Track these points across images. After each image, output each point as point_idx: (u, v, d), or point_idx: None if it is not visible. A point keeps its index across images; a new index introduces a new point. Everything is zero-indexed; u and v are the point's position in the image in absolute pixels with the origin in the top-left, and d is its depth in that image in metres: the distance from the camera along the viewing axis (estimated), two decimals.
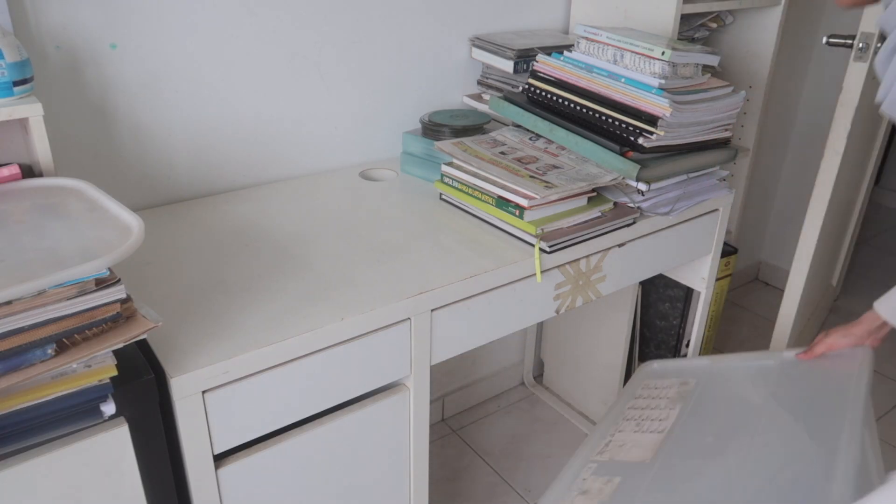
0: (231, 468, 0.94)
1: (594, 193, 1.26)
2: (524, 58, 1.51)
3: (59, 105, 1.15)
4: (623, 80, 1.27)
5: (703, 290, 1.56)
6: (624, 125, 1.25)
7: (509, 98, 1.42)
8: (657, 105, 1.21)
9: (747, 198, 2.42)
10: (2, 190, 0.89)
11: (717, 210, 1.44)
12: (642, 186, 1.25)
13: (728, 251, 2.00)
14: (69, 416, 0.76)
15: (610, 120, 1.27)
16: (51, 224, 0.81)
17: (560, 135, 1.31)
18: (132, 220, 0.80)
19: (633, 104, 1.24)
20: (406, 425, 1.11)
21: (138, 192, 1.28)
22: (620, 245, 1.28)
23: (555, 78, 1.36)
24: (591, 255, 1.23)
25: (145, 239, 0.78)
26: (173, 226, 1.22)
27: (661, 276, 1.89)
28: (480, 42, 1.57)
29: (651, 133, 1.21)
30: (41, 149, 0.91)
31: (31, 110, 0.89)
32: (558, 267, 1.19)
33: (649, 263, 1.37)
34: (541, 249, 1.15)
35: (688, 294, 1.96)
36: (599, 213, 1.24)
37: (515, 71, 1.50)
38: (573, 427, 1.97)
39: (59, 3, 1.09)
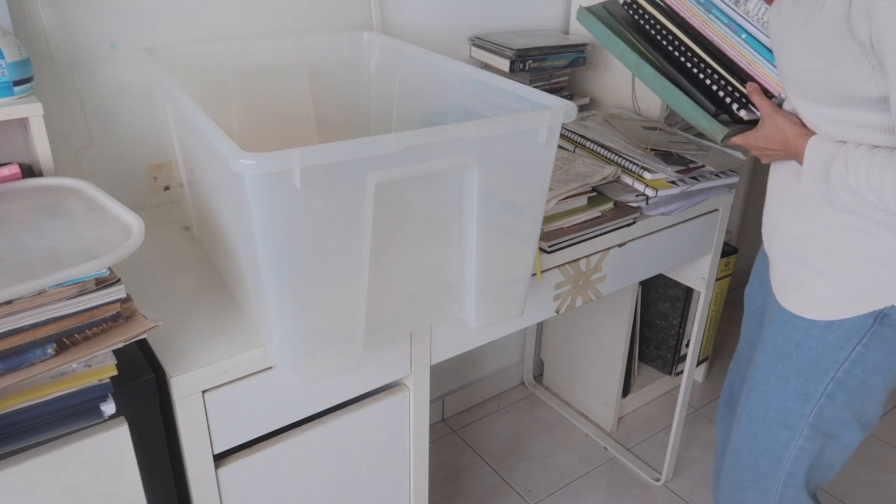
0: (231, 468, 0.94)
1: (594, 193, 1.26)
2: (522, 58, 1.51)
3: (59, 105, 1.14)
4: (744, 35, 1.07)
5: (703, 290, 1.56)
6: (730, 88, 1.08)
7: (607, 8, 1.21)
8: (776, 82, 1.04)
9: (747, 198, 2.42)
10: (2, 190, 0.89)
11: (717, 210, 1.44)
12: (649, 192, 1.24)
13: (728, 251, 2.00)
14: (69, 416, 0.76)
15: (715, 76, 1.09)
16: (51, 224, 0.81)
17: (646, 73, 1.13)
18: (132, 220, 0.80)
19: (749, 69, 1.06)
20: (406, 425, 1.11)
21: (138, 193, 1.28)
22: (620, 245, 1.28)
23: (666, 4, 1.15)
24: (591, 254, 1.23)
25: (145, 239, 0.77)
26: (173, 226, 1.21)
27: (660, 276, 1.89)
28: (480, 41, 1.57)
29: (757, 108, 1.03)
30: (41, 148, 0.91)
31: (31, 110, 0.89)
32: (558, 267, 1.19)
33: (649, 263, 1.37)
34: (541, 249, 1.14)
35: (688, 294, 1.96)
36: (599, 213, 1.24)
37: (511, 70, 1.50)
38: (573, 427, 1.97)
39: (59, 3, 1.09)
